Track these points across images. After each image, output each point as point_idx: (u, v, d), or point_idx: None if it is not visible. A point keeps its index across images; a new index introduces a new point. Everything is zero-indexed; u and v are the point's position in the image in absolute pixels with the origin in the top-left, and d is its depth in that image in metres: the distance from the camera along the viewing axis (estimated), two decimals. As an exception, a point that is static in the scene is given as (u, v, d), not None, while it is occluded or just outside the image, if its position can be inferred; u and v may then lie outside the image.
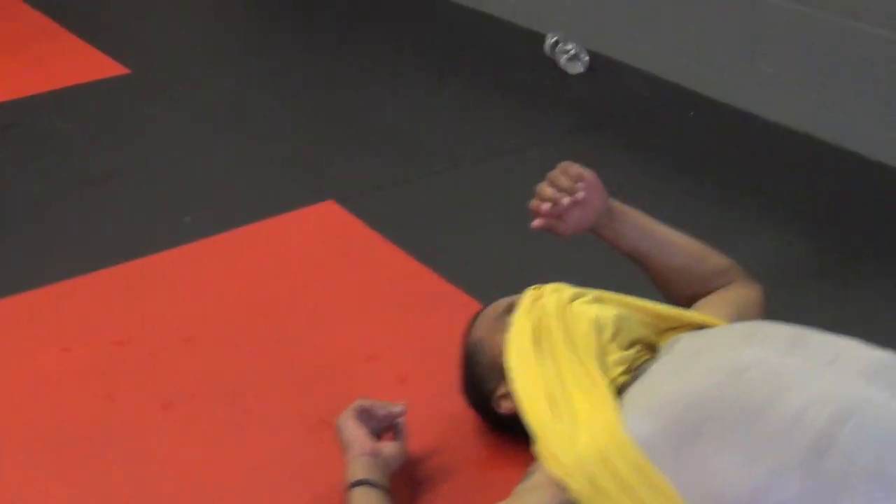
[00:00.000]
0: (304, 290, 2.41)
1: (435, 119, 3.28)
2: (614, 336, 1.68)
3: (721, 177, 2.80)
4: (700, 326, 1.80)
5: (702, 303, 1.93)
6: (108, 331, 2.30)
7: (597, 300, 1.77)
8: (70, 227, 2.76)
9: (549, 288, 1.78)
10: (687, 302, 1.94)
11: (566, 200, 1.79)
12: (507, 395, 1.72)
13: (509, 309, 1.79)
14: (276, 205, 2.76)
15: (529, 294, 1.79)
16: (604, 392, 1.58)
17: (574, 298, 1.75)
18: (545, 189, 1.82)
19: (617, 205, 1.91)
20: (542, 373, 1.65)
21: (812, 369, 1.49)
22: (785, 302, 2.02)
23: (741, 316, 1.87)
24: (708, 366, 1.56)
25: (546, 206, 1.81)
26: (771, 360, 1.52)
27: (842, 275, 2.35)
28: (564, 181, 1.82)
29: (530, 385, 1.66)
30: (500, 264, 2.42)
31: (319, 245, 2.60)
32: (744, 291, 1.95)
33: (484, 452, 1.87)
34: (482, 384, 1.80)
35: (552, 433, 1.58)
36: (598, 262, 2.11)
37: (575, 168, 1.83)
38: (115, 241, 2.66)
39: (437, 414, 1.94)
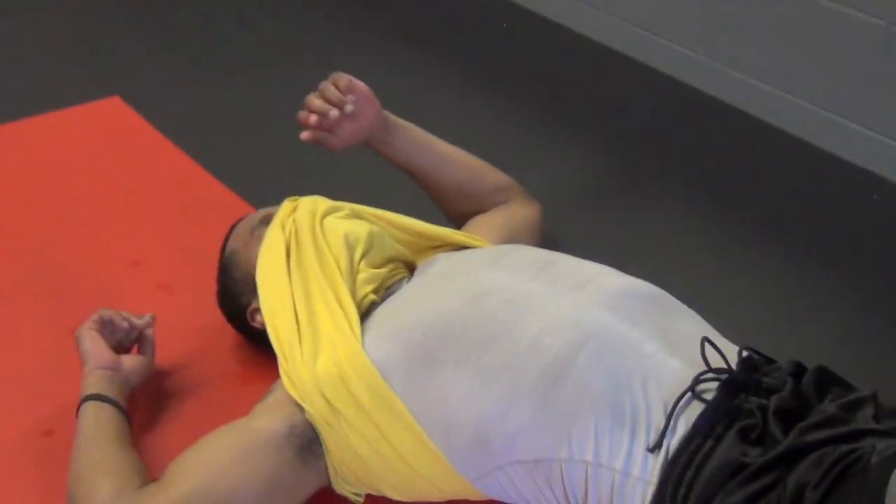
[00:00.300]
0: (73, 189, 2.30)
1: (234, 21, 3.15)
2: (365, 253, 1.64)
3: (532, 91, 2.76)
4: (463, 246, 1.76)
5: (474, 221, 1.91)
6: None
7: (353, 215, 1.71)
8: None
9: (306, 200, 1.72)
10: (464, 219, 1.92)
11: (334, 113, 1.74)
12: (260, 310, 1.66)
13: (265, 220, 1.73)
14: (58, 99, 2.62)
15: (285, 206, 1.73)
16: (349, 312, 1.54)
17: (329, 213, 1.69)
18: (313, 100, 1.76)
19: (392, 119, 1.86)
20: (289, 290, 1.60)
21: (554, 295, 1.47)
22: (573, 224, 2.02)
23: (511, 236, 1.85)
24: (451, 289, 1.53)
25: (314, 119, 1.75)
26: (513, 286, 1.49)
27: (635, 196, 2.34)
28: (333, 93, 1.75)
29: (277, 302, 1.60)
30: (284, 172, 2.35)
31: (97, 143, 2.48)
32: (519, 210, 1.94)
33: (237, 368, 1.81)
34: (236, 297, 1.74)
35: (294, 352, 1.53)
36: (379, 171, 2.05)
37: (345, 79, 1.77)
38: None
39: (194, 326, 1.88)
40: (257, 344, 1.76)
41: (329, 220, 1.67)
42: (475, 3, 3.24)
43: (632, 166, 2.44)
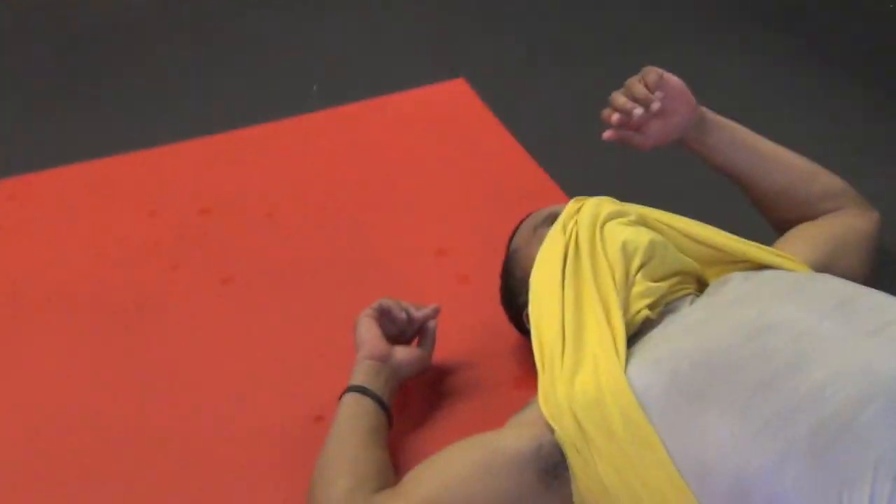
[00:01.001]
0: (401, 172, 2.30)
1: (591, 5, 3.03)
2: (644, 264, 1.49)
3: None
4: (767, 266, 1.57)
5: (797, 230, 1.71)
6: (197, 197, 2.27)
7: (637, 221, 1.57)
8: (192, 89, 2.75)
9: (591, 202, 1.59)
10: (788, 227, 1.73)
11: (638, 112, 1.61)
12: None
13: (548, 220, 1.63)
14: (406, 79, 2.65)
15: (570, 206, 1.61)
16: (617, 330, 1.41)
17: (611, 217, 1.56)
18: (617, 98, 1.64)
19: (710, 117, 1.71)
20: (560, 297, 1.49)
21: (847, 338, 1.27)
22: None
23: (837, 250, 1.65)
24: (735, 319, 1.36)
25: (616, 118, 1.63)
26: (803, 323, 1.31)
27: None
28: (640, 90, 1.62)
29: (546, 308, 1.49)
30: (613, 168, 2.19)
31: (434, 126, 2.47)
32: (850, 221, 1.72)
33: (516, 370, 1.73)
34: (515, 297, 1.66)
35: (554, 364, 1.42)
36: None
37: (655, 75, 1.63)
38: (235, 106, 2.63)
39: (483, 321, 1.80)
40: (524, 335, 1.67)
41: (610, 225, 1.54)
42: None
43: None
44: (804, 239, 1.67)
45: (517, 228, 1.72)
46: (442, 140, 2.40)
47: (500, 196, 2.16)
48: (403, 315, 1.65)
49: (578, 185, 2.12)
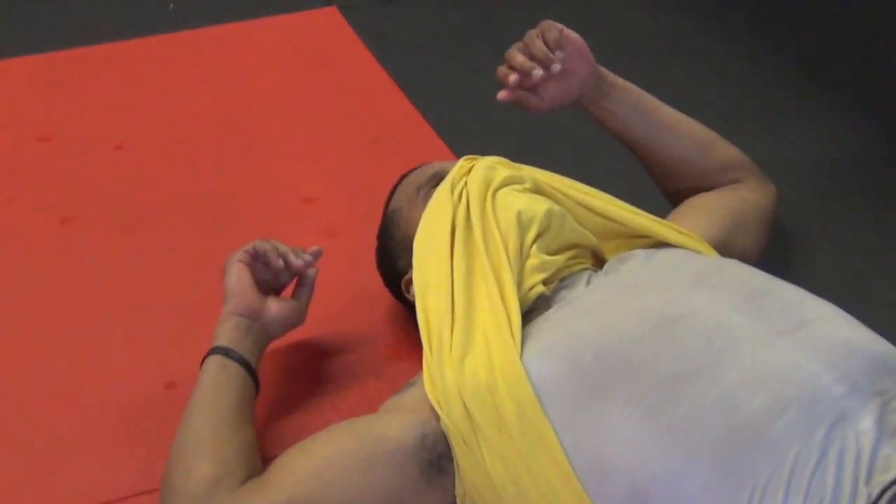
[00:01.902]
0: (264, 106, 2.12)
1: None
2: (539, 235, 1.36)
3: (797, 42, 2.33)
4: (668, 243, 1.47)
5: (692, 202, 1.62)
6: (35, 123, 2.05)
7: (533, 189, 1.44)
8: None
9: (483, 164, 1.45)
10: (681, 197, 1.64)
11: (537, 73, 1.49)
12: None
13: (434, 180, 1.48)
14: (271, 3, 2.46)
15: (461, 165, 1.47)
16: (511, 309, 1.28)
17: (505, 183, 1.42)
18: (515, 56, 1.51)
19: (610, 78, 1.60)
20: (449, 267, 1.35)
21: (760, 335, 1.18)
22: (819, 218, 1.70)
23: (733, 226, 1.57)
24: (639, 307, 1.26)
25: (513, 78, 1.50)
26: (715, 316, 1.21)
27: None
28: (539, 48, 1.50)
29: (434, 278, 1.35)
30: (497, 120, 2.01)
31: (302, 57, 2.29)
32: (749, 195, 1.63)
33: (390, 339, 1.59)
34: (393, 261, 1.52)
35: (443, 342, 1.29)
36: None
37: (555, 31, 1.50)
38: (82, 19, 2.40)
39: (354, 282, 1.65)
40: (413, 317, 1.49)
41: (503, 192, 1.40)
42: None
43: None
44: (700, 212, 1.58)
45: (397, 186, 1.57)
46: (310, 74, 2.23)
47: (374, 141, 2.01)
48: (280, 262, 1.46)
49: (459, 134, 2.00)
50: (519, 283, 1.32)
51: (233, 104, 2.12)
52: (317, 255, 1.49)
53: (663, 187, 1.67)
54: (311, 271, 1.48)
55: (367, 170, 1.91)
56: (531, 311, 1.32)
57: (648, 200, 1.57)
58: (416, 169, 1.57)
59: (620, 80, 1.61)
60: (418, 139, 2.00)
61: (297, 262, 1.47)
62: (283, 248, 1.47)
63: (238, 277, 1.42)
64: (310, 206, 1.86)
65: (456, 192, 1.41)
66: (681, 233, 1.47)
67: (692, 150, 1.63)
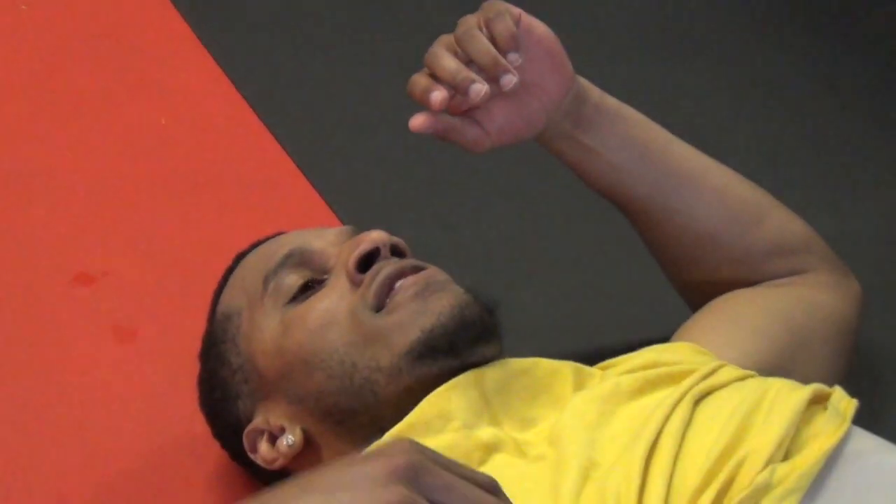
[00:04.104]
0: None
1: None
2: None
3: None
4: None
5: (724, 304, 1.12)
6: None
7: None
8: None
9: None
10: (705, 293, 1.14)
11: (477, 89, 0.97)
12: (273, 433, 0.98)
13: (290, 264, 1.01)
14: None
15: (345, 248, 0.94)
16: None
17: None
18: (441, 58, 1.00)
19: (595, 97, 1.11)
20: None
21: None
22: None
23: (795, 346, 1.09)
24: None
25: (438, 96, 0.99)
26: None
27: None
28: (481, 46, 0.98)
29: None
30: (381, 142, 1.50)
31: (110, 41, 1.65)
32: (818, 297, 1.14)
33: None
34: (228, 402, 1.04)
35: None
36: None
37: (508, 21, 0.99)
38: None
39: (170, 428, 1.12)
40: (246, 468, 1.04)
41: None
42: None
43: None
44: (739, 322, 1.11)
45: (231, 270, 1.06)
46: (120, 64, 1.61)
47: (196, 183, 1.41)
48: None
49: (328, 172, 1.43)
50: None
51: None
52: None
53: (676, 275, 1.17)
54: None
55: (183, 230, 1.34)
56: None
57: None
58: (261, 242, 1.07)
59: (612, 101, 1.10)
60: (273, 176, 1.44)
61: None
62: None
63: None
64: (86, 287, 1.26)
65: None
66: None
67: (727, 219, 1.14)
